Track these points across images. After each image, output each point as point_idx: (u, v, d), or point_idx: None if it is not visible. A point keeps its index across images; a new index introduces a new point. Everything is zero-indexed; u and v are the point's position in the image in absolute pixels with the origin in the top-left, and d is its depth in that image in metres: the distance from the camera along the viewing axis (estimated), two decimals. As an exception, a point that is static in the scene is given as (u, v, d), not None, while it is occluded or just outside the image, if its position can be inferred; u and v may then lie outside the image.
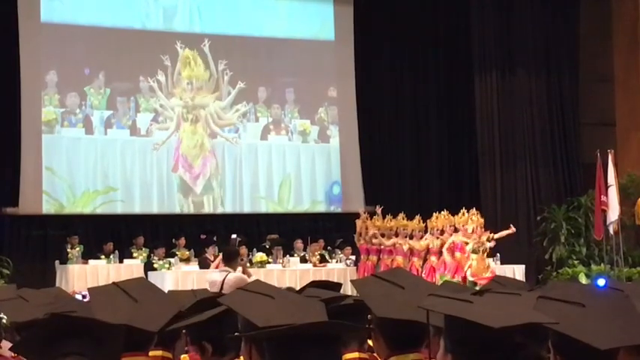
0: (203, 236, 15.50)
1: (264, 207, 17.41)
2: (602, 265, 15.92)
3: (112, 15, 16.68)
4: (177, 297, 3.63)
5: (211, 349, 3.06)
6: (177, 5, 17.21)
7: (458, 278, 13.11)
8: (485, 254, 13.66)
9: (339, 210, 17.52)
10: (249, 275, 8.55)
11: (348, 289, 8.54)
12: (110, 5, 16.66)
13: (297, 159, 17.82)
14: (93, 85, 16.43)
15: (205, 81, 17.25)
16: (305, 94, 17.91)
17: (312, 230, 16.20)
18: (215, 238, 15.48)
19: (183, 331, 3.24)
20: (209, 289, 7.78)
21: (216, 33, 17.41)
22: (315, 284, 4.21)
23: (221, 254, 14.15)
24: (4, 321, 6.35)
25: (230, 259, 8.56)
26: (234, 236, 15.11)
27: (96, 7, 16.54)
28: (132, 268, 14.20)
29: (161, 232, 16.15)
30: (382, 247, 14.36)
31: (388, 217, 14.80)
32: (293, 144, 17.86)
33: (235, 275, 8.03)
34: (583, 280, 14.83)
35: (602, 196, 15.15)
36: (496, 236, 13.97)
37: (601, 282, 8.69)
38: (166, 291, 3.68)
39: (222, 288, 7.44)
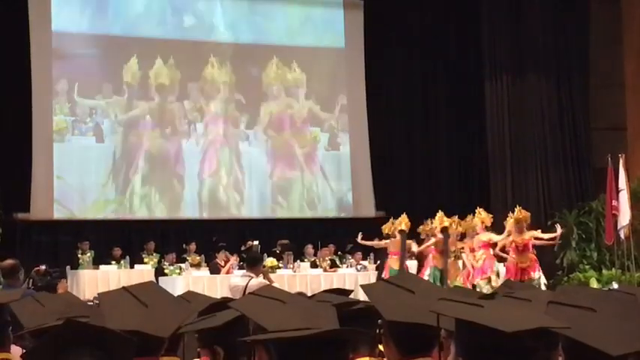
0: (222, 244, 15.52)
1: (275, 212, 17.43)
2: (613, 270, 15.86)
3: (122, 24, 16.73)
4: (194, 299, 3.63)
5: (223, 353, 3.07)
6: (186, 14, 17.24)
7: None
8: (459, 261, 13.57)
9: (349, 215, 17.52)
10: (270, 281, 8.52)
11: (359, 296, 8.51)
12: (119, 14, 16.72)
13: (308, 165, 17.83)
14: (103, 93, 16.48)
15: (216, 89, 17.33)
16: (315, 101, 17.94)
17: (322, 235, 16.19)
18: (224, 244, 15.53)
19: (196, 335, 3.25)
20: (231, 293, 7.77)
21: (227, 41, 17.46)
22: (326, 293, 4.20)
23: (236, 259, 14.40)
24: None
25: (253, 265, 8.55)
26: (255, 242, 15.14)
27: (106, 16, 16.61)
28: (143, 273, 14.22)
29: (172, 238, 16.18)
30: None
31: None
32: (304, 151, 17.88)
33: (259, 281, 8.01)
34: (594, 285, 14.77)
35: (613, 201, 15.09)
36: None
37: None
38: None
39: (244, 293, 7.40)
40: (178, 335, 3.12)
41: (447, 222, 13.41)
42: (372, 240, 14.57)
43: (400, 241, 13.50)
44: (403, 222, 13.77)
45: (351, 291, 4.47)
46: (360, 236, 14.60)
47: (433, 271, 13.08)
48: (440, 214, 13.62)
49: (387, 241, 13.98)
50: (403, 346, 2.69)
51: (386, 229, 14.04)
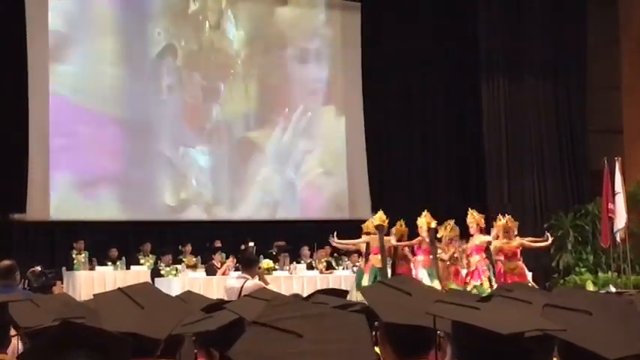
0: (219, 245, 15.52)
1: (271, 214, 17.42)
2: (609, 272, 15.89)
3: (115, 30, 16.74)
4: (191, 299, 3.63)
5: (219, 355, 3.07)
6: (179, 14, 17.20)
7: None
8: (457, 264, 13.49)
9: (345, 217, 17.51)
10: (266, 282, 8.49)
11: (354, 296, 8.51)
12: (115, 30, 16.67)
13: (305, 167, 17.83)
14: (99, 94, 16.43)
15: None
16: (312, 103, 17.96)
17: (318, 237, 16.19)
18: (220, 245, 15.54)
19: (193, 337, 3.24)
20: (226, 295, 7.74)
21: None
22: (321, 292, 4.19)
23: (232, 260, 14.38)
24: None
25: (248, 266, 8.51)
26: (251, 244, 15.12)
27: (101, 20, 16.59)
28: (139, 274, 14.18)
29: (168, 239, 16.16)
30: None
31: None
32: (300, 152, 17.87)
33: (254, 282, 7.97)
34: (590, 287, 14.80)
35: (609, 204, 15.13)
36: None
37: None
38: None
39: (240, 295, 7.37)
40: (177, 339, 3.12)
41: (433, 223, 13.29)
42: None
43: (378, 238, 13.41)
44: (378, 218, 13.63)
45: (347, 291, 4.47)
46: (334, 238, 14.43)
47: (429, 272, 12.94)
48: (425, 212, 13.50)
49: (364, 238, 13.82)
50: (400, 348, 2.69)
51: (366, 228, 13.88)
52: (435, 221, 13.32)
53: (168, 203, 16.65)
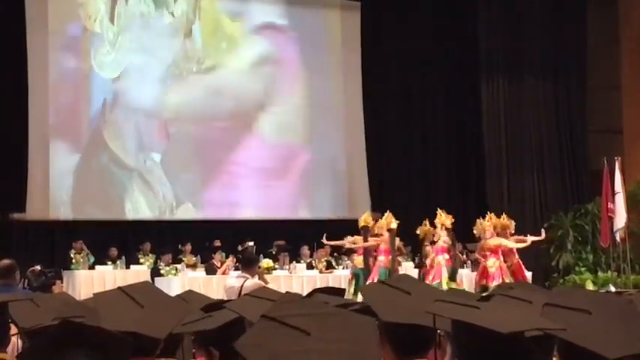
0: (218, 245, 15.52)
1: (271, 213, 17.40)
2: (608, 272, 15.89)
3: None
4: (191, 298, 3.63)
5: (218, 355, 3.06)
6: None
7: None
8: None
9: (345, 216, 17.50)
10: (265, 282, 8.49)
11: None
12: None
13: (304, 166, 17.81)
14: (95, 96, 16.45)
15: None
16: (311, 102, 17.95)
17: (318, 237, 16.20)
18: (220, 244, 15.53)
19: (192, 336, 3.24)
20: (226, 295, 7.75)
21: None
22: (318, 292, 4.19)
23: (232, 260, 14.38)
24: None
25: (248, 266, 8.51)
26: (250, 243, 15.12)
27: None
28: (138, 273, 14.18)
29: (168, 238, 16.15)
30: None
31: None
32: (299, 151, 17.87)
33: (254, 282, 7.96)
34: (590, 287, 14.80)
35: (609, 204, 15.15)
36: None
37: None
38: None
39: (240, 294, 7.37)
40: (177, 337, 3.12)
41: (394, 223, 13.34)
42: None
43: (363, 239, 13.49)
44: (363, 220, 13.68)
45: (344, 290, 4.47)
46: (324, 238, 14.52)
47: (382, 272, 12.89)
48: (387, 213, 13.54)
49: (352, 238, 13.90)
50: (399, 348, 2.69)
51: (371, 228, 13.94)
52: (397, 221, 13.37)
53: (168, 202, 16.63)
